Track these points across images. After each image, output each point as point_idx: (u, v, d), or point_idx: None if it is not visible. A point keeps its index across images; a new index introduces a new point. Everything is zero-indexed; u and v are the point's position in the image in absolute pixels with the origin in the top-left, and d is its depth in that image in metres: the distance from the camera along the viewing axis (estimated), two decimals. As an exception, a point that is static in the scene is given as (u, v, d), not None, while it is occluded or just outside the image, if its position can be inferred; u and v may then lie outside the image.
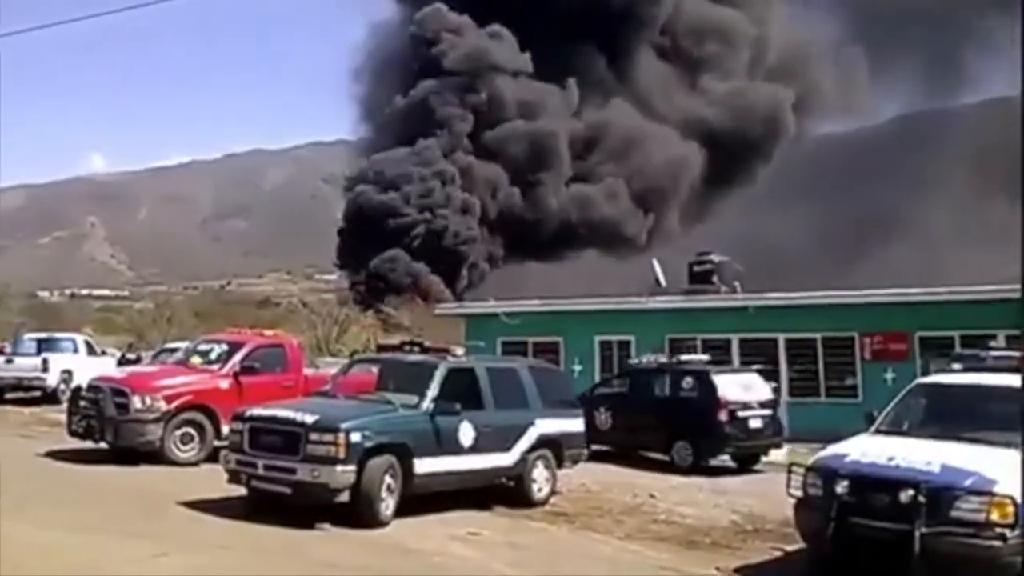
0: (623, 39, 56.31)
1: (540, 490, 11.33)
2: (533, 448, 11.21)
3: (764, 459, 15.52)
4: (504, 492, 11.14)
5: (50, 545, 7.95)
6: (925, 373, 12.74)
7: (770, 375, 17.80)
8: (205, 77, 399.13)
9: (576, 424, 12.13)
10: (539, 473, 11.33)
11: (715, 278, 23.40)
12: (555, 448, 11.57)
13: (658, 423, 15.33)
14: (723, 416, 15.01)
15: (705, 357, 17.19)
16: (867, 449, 8.22)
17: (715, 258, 24.60)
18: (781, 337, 19.55)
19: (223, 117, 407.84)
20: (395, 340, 17.42)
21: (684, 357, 16.93)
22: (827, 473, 8.03)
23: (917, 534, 7.20)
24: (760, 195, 56.93)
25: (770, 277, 24.96)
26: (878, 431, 8.72)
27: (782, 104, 58.17)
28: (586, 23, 53.33)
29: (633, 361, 17.92)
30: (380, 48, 62.08)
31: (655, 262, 26.39)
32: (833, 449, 8.48)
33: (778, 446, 15.55)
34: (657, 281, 24.55)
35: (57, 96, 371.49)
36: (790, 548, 9.17)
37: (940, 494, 7.33)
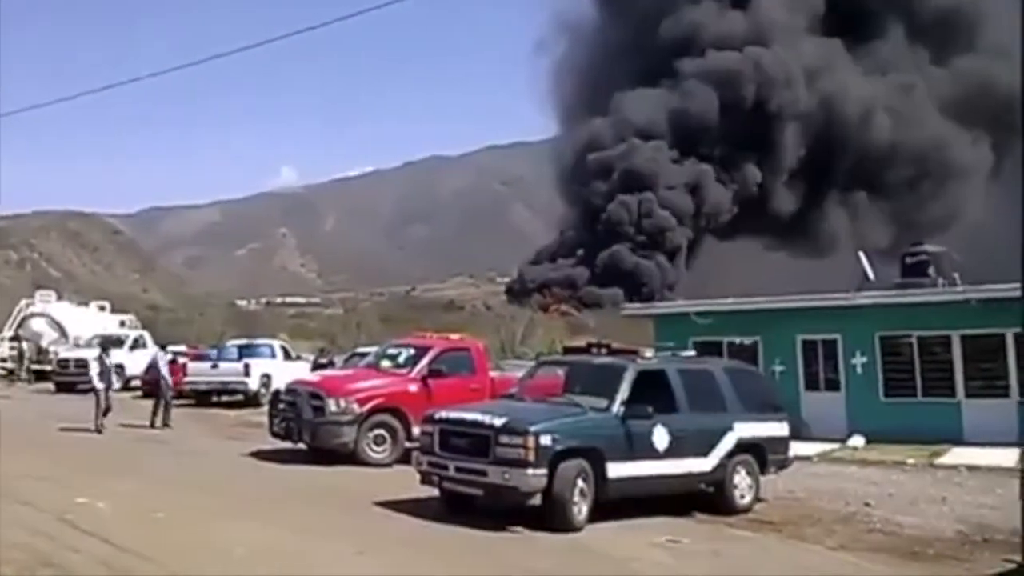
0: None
1: (742, 497, 11.09)
2: (733, 453, 10.98)
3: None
4: (704, 499, 10.97)
5: (259, 541, 8.58)
6: None
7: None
8: (381, 88, 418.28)
9: (779, 428, 11.75)
10: (741, 479, 11.09)
11: (931, 270, 21.98)
12: (757, 453, 11.29)
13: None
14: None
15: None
16: None
17: (930, 248, 23.05)
18: (1009, 333, 18.02)
19: (401, 126, 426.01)
20: (581, 342, 17.48)
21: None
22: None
23: None
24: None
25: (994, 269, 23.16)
26: None
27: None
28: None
29: None
30: (581, 47, 63.24)
31: (862, 254, 25.13)
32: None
33: None
34: (865, 275, 23.34)
35: (248, 114, 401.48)
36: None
37: None
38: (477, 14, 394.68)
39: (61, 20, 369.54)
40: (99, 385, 17.85)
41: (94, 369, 18.22)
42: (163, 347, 21.54)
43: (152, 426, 18.35)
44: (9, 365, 32.02)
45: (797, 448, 12.52)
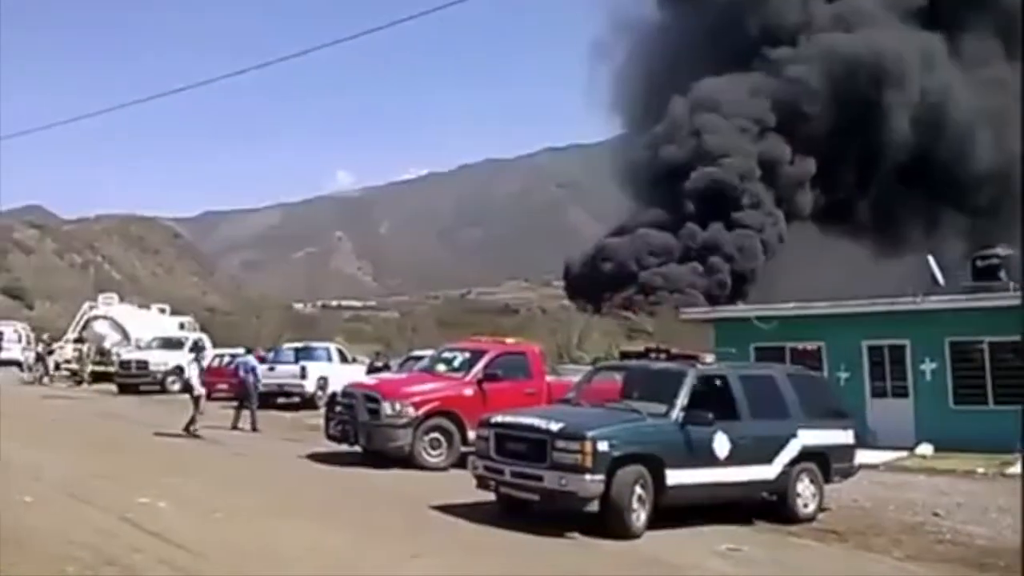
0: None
1: (806, 505, 10.91)
2: (796, 461, 10.81)
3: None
4: (766, 507, 10.83)
5: (316, 543, 8.69)
6: None
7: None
8: (437, 91, 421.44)
9: (844, 436, 11.54)
10: (804, 487, 10.91)
11: (1002, 273, 21.38)
12: (821, 461, 11.11)
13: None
14: None
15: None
16: None
17: (1001, 251, 22.42)
18: (1084, 339, 17.44)
19: (457, 129, 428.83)
20: (639, 347, 17.40)
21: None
22: None
23: None
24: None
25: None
26: None
27: None
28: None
29: None
30: (643, 44, 63.29)
31: (931, 258, 24.58)
32: None
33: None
34: (934, 279, 22.82)
35: (305, 118, 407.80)
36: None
37: None
38: (533, 16, 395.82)
39: (124, 29, 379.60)
40: (200, 389, 18.09)
41: (193, 372, 18.29)
42: (248, 350, 21.70)
43: (234, 428, 18.50)
44: (73, 366, 32.89)
45: (863, 456, 12.28)
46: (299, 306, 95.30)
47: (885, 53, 53.73)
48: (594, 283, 56.37)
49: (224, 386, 23.02)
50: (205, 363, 19.24)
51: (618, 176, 65.93)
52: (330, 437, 14.90)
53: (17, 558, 7.52)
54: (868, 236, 57.03)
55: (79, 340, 33.85)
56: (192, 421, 17.38)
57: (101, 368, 31.84)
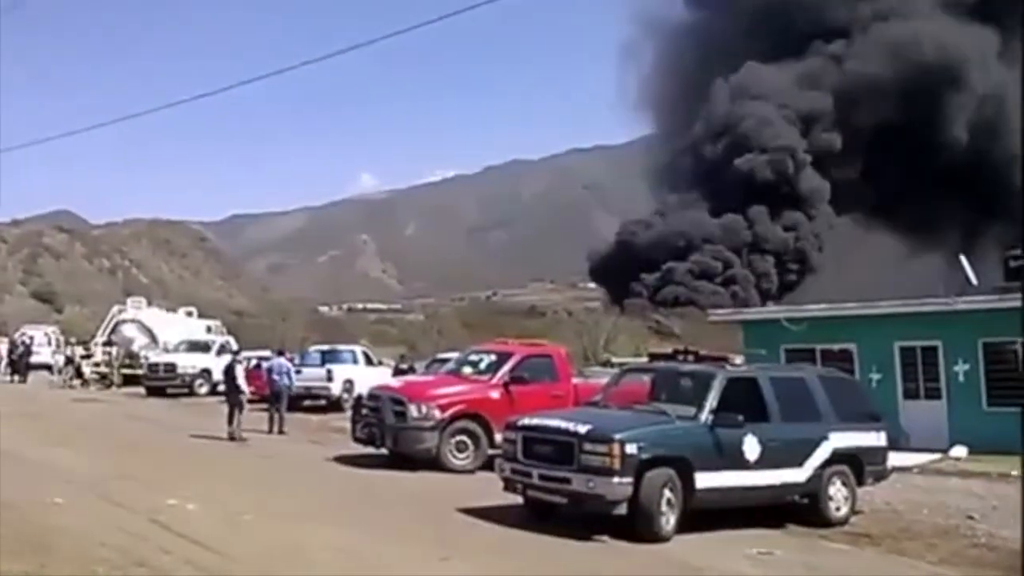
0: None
1: (838, 509, 10.82)
2: (828, 463, 10.72)
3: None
4: (797, 511, 10.74)
5: (343, 545, 8.72)
6: None
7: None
8: (462, 92, 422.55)
9: (876, 438, 11.44)
10: (836, 491, 10.82)
11: (1036, 273, 21.03)
12: (853, 464, 11.01)
13: None
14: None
15: None
16: None
17: (1033, 251, 22.01)
18: (1121, 340, 17.17)
19: (482, 130, 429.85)
20: (667, 348, 17.32)
21: None
22: None
23: None
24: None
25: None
26: None
27: None
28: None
29: None
30: (674, 42, 63.29)
31: (963, 258, 24.27)
32: None
33: None
34: (967, 279, 22.53)
35: (329, 121, 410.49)
36: None
37: None
38: (557, 18, 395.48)
39: (152, 34, 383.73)
40: (248, 390, 18.17)
41: (240, 374, 18.36)
42: (280, 352, 21.81)
43: (270, 432, 18.59)
44: (103, 369, 33.26)
45: (895, 459, 12.16)
46: (324, 309, 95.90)
47: (947, 47, 52.65)
48: (622, 274, 56.15)
49: (251, 388, 23.07)
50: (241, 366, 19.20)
51: (651, 174, 65.76)
52: (357, 440, 14.96)
53: (48, 559, 7.61)
54: (906, 234, 56.37)
55: (108, 343, 34.21)
56: (238, 424, 17.40)
57: (130, 371, 32.16)
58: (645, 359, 17.13)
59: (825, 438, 10.75)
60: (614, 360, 25.99)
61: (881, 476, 11.56)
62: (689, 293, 51.68)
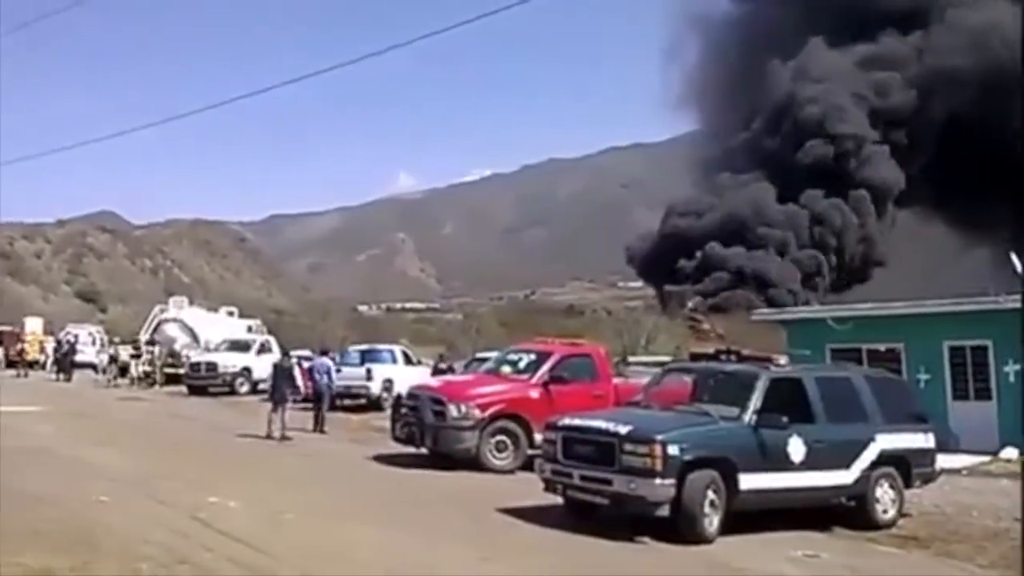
0: None
1: (885, 511, 10.68)
2: (875, 465, 10.58)
3: None
4: (842, 513, 10.61)
5: (384, 544, 8.77)
6: None
7: None
8: (498, 92, 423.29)
9: (925, 440, 11.27)
10: (883, 493, 10.68)
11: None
12: (901, 466, 10.86)
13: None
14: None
15: None
16: None
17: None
18: None
19: (519, 130, 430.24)
20: (709, 348, 17.19)
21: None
22: None
23: None
24: None
25: None
26: None
27: None
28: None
29: None
30: (718, 35, 63.12)
31: (1013, 256, 23.79)
32: None
33: None
34: (1017, 276, 22.05)
35: (369, 121, 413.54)
36: None
37: None
38: (594, 16, 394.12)
39: (189, 36, 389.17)
40: (303, 390, 18.31)
41: (297, 373, 18.44)
42: (324, 352, 21.81)
43: (315, 430, 18.74)
44: (146, 368, 33.75)
45: (944, 461, 11.98)
46: (363, 308, 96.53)
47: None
48: (666, 263, 55.72)
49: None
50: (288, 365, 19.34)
51: (697, 167, 65.23)
52: (396, 439, 15.02)
53: (93, 555, 7.73)
54: (962, 229, 55.35)
55: (151, 343, 34.71)
56: (282, 423, 17.43)
57: (172, 370, 32.61)
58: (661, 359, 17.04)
59: (872, 439, 10.62)
60: (630, 359, 25.74)
61: (929, 478, 11.40)
62: (737, 289, 51.13)
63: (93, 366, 37.20)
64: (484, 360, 18.84)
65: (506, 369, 15.58)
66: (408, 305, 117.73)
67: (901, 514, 10.86)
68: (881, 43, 55.89)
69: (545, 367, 14.78)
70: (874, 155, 54.88)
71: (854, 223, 54.72)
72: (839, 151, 54.23)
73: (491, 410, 14.02)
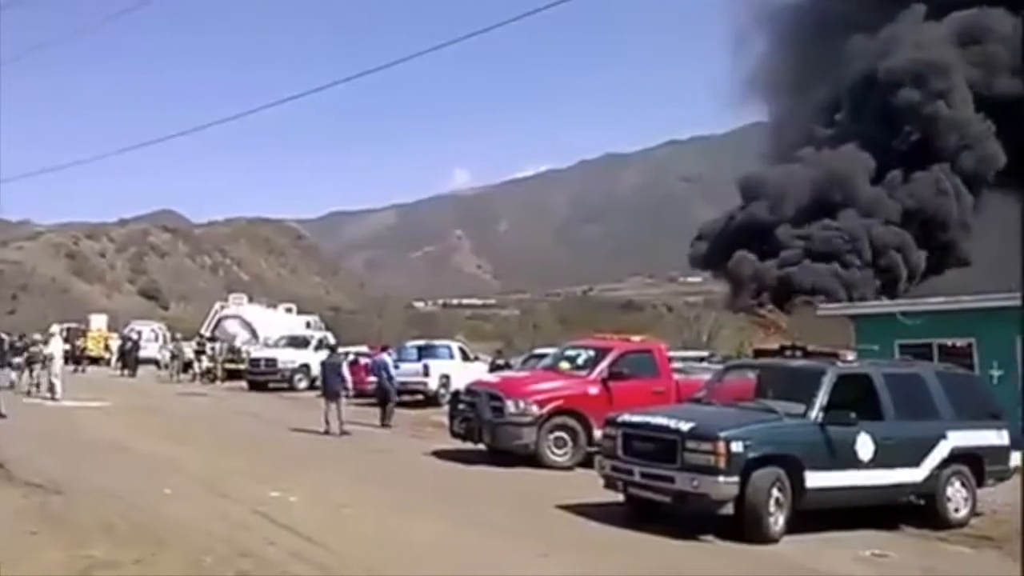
0: None
1: (957, 510, 10.45)
2: (947, 463, 10.37)
3: None
4: (912, 512, 10.41)
5: (442, 539, 8.82)
6: None
7: None
8: (554, 86, 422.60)
9: (998, 437, 11.01)
10: (955, 491, 10.45)
11: None
12: (973, 464, 10.62)
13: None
14: None
15: None
16: None
17: None
18: None
19: (575, 125, 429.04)
20: (773, 344, 16.96)
21: None
22: None
23: None
24: None
25: None
26: None
27: None
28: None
29: None
30: (785, 23, 62.37)
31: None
32: None
33: None
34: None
35: (425, 117, 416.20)
36: None
37: None
38: (651, 9, 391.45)
39: (250, 37, 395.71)
40: (350, 386, 18.64)
41: (346, 370, 18.74)
42: (384, 348, 22.08)
43: (382, 425, 19.09)
44: (207, 364, 34.43)
45: (1019, 459, 11.65)
46: (420, 304, 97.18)
47: None
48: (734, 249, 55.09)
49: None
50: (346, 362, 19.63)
51: (766, 159, 64.37)
52: (454, 435, 15.08)
53: (158, 548, 7.91)
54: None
55: (211, 339, 35.39)
56: (339, 418, 17.62)
57: (232, 366, 33.21)
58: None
59: (943, 437, 10.40)
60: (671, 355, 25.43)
61: (1003, 476, 11.11)
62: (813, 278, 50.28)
63: (156, 362, 38.02)
64: (542, 356, 18.83)
65: (564, 365, 15.53)
66: (464, 301, 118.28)
67: (974, 513, 10.62)
68: (980, 13, 54.21)
69: (604, 363, 14.71)
70: (980, 135, 53.42)
71: (948, 209, 53.33)
72: (933, 129, 52.93)
73: (549, 406, 13.99)
